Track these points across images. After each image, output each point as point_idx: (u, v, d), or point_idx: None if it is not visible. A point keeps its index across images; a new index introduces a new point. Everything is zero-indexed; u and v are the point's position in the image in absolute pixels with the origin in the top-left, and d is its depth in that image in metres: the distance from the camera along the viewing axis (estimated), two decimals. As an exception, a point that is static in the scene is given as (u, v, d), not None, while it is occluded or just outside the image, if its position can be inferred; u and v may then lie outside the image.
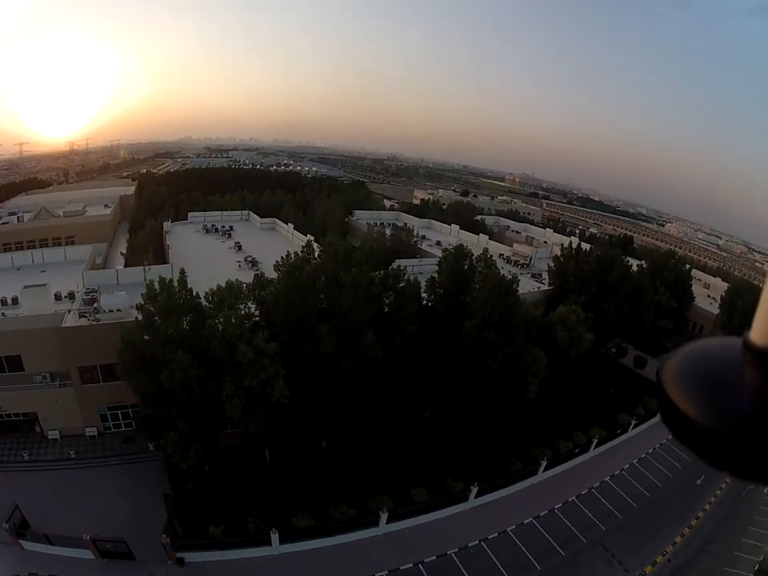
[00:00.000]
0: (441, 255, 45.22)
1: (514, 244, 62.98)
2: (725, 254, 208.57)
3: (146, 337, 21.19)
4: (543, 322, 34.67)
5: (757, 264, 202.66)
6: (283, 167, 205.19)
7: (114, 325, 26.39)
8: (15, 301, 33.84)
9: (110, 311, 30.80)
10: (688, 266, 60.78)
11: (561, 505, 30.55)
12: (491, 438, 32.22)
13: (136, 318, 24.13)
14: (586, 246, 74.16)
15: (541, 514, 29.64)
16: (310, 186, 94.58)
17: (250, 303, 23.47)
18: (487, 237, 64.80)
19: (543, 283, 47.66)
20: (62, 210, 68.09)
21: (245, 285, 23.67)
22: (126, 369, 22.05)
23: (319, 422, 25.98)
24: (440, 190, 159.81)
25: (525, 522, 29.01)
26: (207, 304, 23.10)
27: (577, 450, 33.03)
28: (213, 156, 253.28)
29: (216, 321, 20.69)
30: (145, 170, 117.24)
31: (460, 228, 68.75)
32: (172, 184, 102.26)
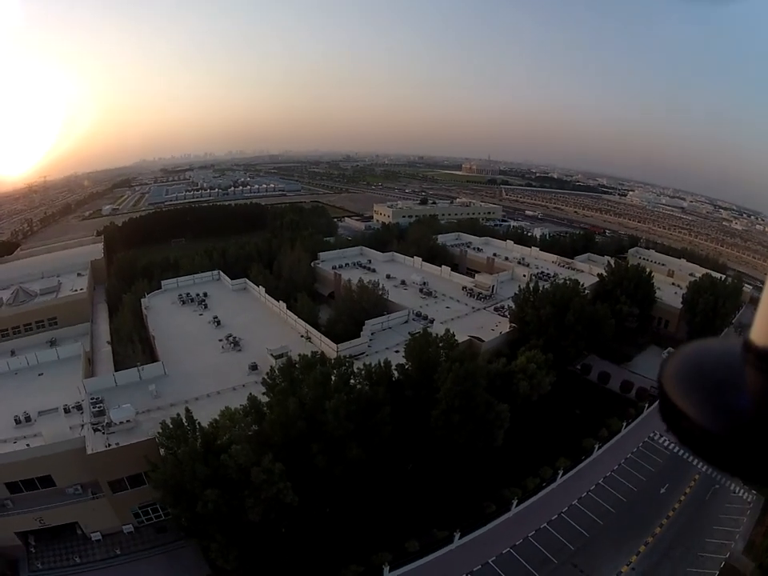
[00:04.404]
0: (407, 310, 52.56)
1: (476, 275, 70.42)
2: (690, 218, 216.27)
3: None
4: (506, 372, 41.75)
5: (724, 223, 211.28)
6: (241, 188, 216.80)
7: (134, 445, 33.22)
8: (28, 419, 39.74)
9: (119, 423, 37.27)
10: (649, 271, 67.16)
11: (534, 532, 37.47)
12: (467, 484, 39.54)
13: (156, 435, 30.77)
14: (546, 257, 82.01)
15: (517, 543, 36.44)
16: (272, 223, 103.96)
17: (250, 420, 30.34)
18: (449, 268, 72.77)
19: (506, 316, 54.59)
20: (38, 285, 73.42)
21: (241, 407, 30.44)
22: (164, 501, 29.07)
23: (322, 499, 33.20)
24: (399, 201, 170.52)
25: (503, 552, 35.89)
26: (213, 429, 29.75)
27: (544, 484, 40.35)
28: (170, 180, 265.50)
29: (227, 455, 27.25)
30: (108, 222, 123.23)
31: (422, 257, 77.20)
32: (136, 235, 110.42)
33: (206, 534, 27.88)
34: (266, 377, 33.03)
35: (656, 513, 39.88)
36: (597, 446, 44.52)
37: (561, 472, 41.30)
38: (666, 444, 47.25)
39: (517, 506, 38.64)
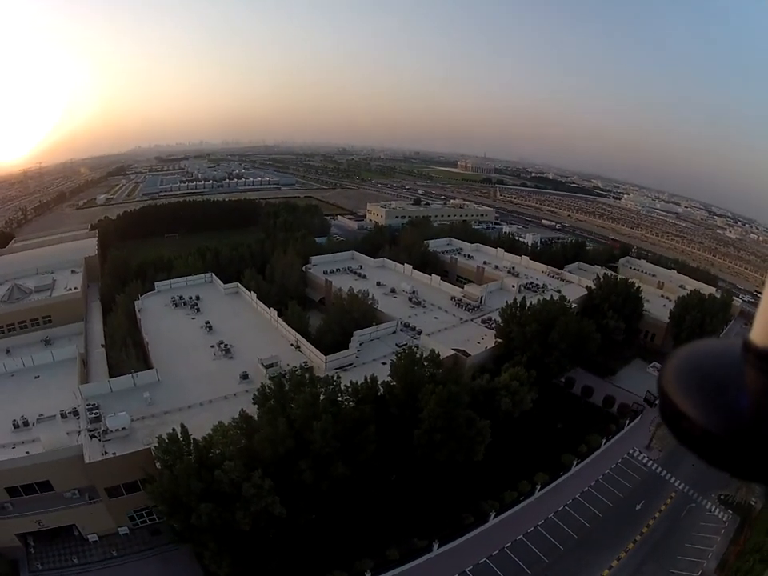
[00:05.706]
0: (396, 320, 54.96)
1: (465, 286, 72.72)
2: (684, 225, 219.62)
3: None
4: (489, 388, 44.06)
5: (718, 231, 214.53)
6: (235, 180, 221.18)
7: (130, 455, 35.45)
8: (26, 423, 41.79)
9: (115, 430, 39.43)
10: (637, 286, 69.42)
11: (510, 544, 39.84)
12: (446, 495, 42.00)
13: (153, 448, 32.99)
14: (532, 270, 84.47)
15: (493, 554, 38.89)
16: (265, 221, 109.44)
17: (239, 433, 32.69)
18: (439, 277, 75.42)
19: (492, 329, 56.86)
20: (33, 282, 75.28)
21: (233, 421, 32.82)
22: (160, 512, 31.73)
23: (309, 509, 35.65)
24: (393, 201, 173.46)
25: (480, 562, 38.34)
26: (206, 444, 32.06)
27: (522, 498, 42.85)
28: (165, 169, 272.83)
29: (221, 470, 29.55)
30: (102, 213, 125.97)
31: (414, 263, 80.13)
32: (130, 229, 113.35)
33: (199, 541, 30.34)
34: (256, 393, 35.35)
35: (631, 528, 41.95)
36: (575, 462, 46.83)
37: (539, 486, 43.76)
38: (644, 461, 49.66)
39: (494, 518, 41.21)
